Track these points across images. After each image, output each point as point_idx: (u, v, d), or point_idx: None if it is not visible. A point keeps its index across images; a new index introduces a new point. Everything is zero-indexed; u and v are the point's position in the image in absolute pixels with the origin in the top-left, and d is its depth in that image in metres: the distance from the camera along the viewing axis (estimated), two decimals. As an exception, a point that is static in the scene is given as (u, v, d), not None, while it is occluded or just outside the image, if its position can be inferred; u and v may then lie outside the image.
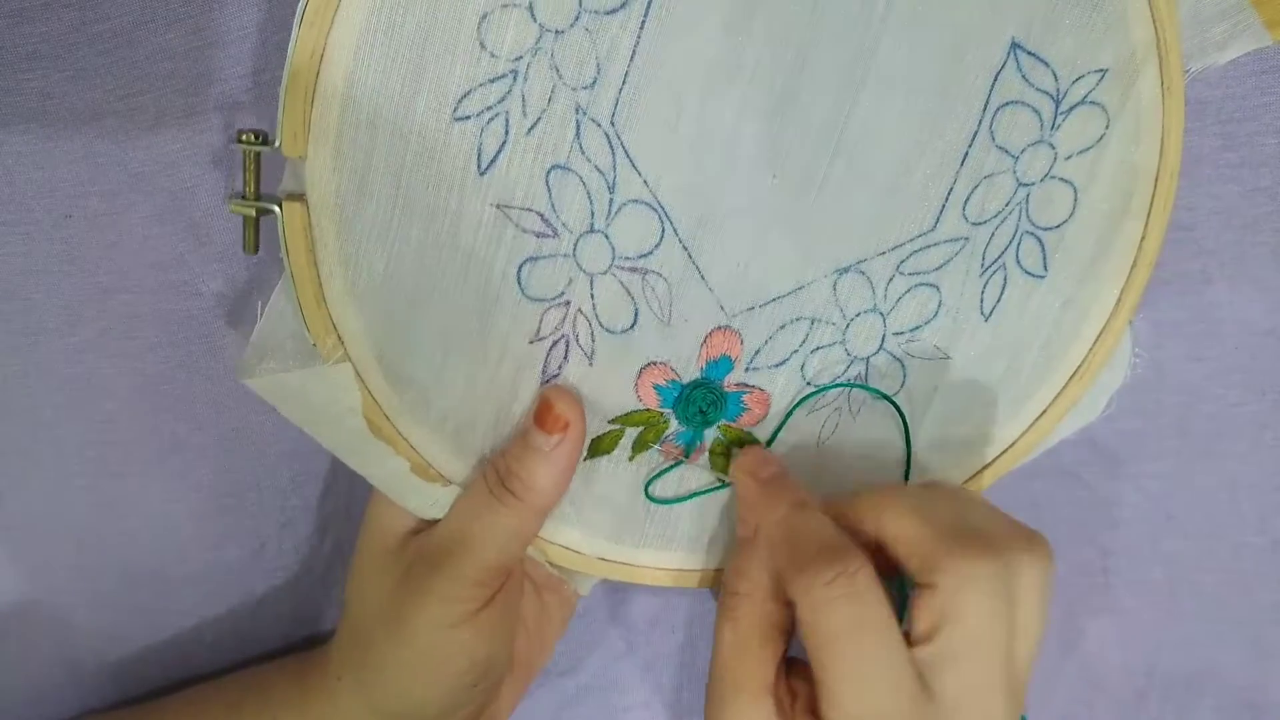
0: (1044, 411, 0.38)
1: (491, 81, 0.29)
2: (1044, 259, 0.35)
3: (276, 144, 0.28)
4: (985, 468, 0.39)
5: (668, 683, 0.47)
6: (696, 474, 0.37)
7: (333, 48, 0.27)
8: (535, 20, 0.28)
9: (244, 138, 0.29)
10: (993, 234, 0.34)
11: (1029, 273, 0.36)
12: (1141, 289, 0.37)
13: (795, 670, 0.33)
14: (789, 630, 0.33)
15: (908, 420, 0.37)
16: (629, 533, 0.37)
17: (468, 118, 0.29)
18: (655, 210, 0.31)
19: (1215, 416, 0.44)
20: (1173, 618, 0.47)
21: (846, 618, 0.29)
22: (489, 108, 0.29)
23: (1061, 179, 0.34)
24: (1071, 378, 0.38)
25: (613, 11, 0.29)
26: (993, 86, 0.32)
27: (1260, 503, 0.45)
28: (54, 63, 0.34)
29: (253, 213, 0.29)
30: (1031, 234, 0.35)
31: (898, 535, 0.32)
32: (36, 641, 0.43)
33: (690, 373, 0.34)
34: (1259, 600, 0.46)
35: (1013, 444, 0.39)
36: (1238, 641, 0.47)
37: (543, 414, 0.33)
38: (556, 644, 0.42)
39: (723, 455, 0.37)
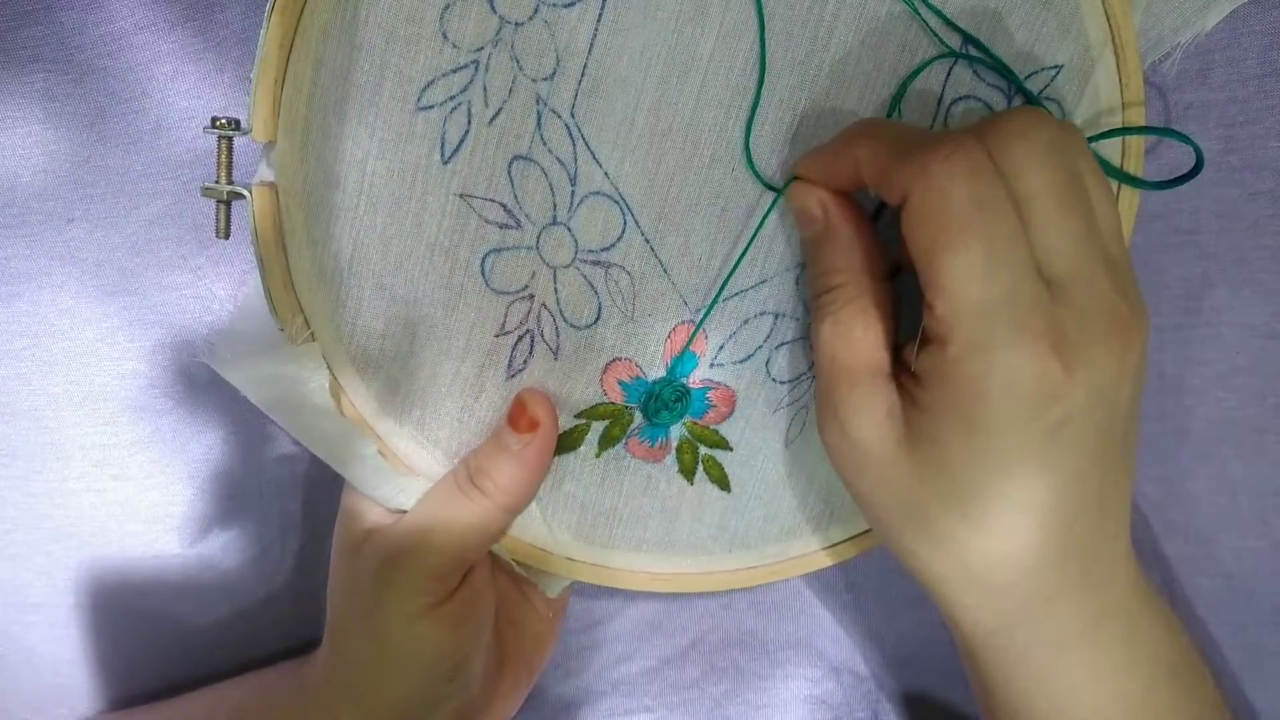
0: None
1: (454, 71, 0.30)
2: None
3: (248, 131, 0.29)
4: None
5: (670, 686, 0.47)
6: (665, 469, 0.36)
7: (303, 36, 0.29)
8: (495, 12, 0.29)
9: (218, 123, 0.30)
10: None
11: None
12: None
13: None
14: (893, 311, 0.31)
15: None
16: (598, 532, 0.37)
17: (431, 107, 0.30)
18: (617, 202, 0.32)
19: (1216, 420, 0.44)
20: (1174, 621, 0.47)
21: (969, 194, 0.26)
22: (451, 97, 0.30)
23: None
24: None
25: (570, 4, 0.30)
26: (946, 81, 0.33)
27: (1260, 506, 0.45)
28: (57, 65, 0.34)
29: (224, 196, 0.31)
30: None
31: (860, 158, 0.29)
32: (37, 643, 0.43)
33: (656, 369, 0.35)
34: (1259, 604, 0.46)
35: None
36: (1238, 645, 0.47)
37: (516, 414, 0.33)
38: (555, 643, 0.42)
39: (689, 453, 0.36)
